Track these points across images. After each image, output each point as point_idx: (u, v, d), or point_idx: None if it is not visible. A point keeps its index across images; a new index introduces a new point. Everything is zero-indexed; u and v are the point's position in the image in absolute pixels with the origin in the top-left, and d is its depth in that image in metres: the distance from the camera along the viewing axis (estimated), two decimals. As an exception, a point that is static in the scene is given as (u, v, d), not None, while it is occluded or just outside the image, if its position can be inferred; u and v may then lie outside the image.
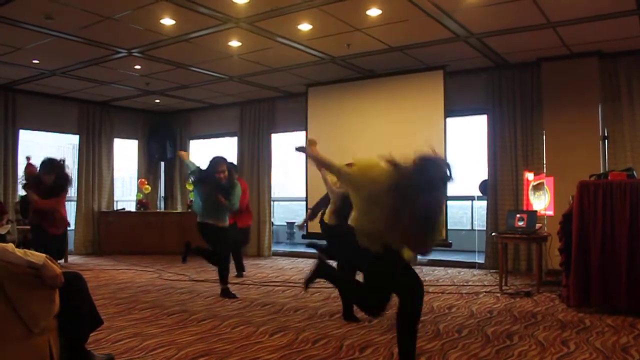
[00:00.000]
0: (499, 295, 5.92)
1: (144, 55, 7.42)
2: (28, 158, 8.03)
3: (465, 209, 11.59)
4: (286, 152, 11.52)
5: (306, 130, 9.05)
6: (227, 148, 11.07)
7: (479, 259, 8.18)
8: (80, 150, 10.44)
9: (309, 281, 3.54)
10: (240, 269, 7.50)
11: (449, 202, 7.85)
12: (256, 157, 10.24)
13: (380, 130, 8.10)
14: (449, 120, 7.79)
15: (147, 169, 11.67)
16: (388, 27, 6.28)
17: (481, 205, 9.04)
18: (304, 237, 9.15)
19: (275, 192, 11.53)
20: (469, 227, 11.12)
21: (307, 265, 8.51)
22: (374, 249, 3.14)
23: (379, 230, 3.02)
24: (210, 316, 4.85)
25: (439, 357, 3.61)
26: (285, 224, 13.16)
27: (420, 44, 6.96)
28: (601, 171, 6.32)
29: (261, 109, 10.32)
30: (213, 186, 5.89)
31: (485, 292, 6.11)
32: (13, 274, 2.71)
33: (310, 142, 4.45)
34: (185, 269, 7.99)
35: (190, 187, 10.54)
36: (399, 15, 5.95)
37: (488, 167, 8.06)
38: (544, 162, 7.48)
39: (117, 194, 11.62)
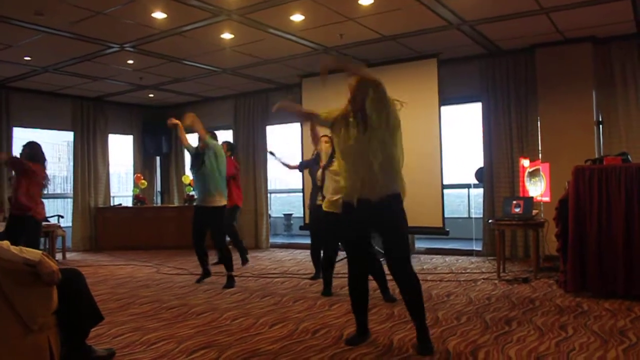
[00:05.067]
0: (496, 282, 5.95)
1: (136, 50, 7.39)
2: None
3: (461, 197, 11.62)
4: (282, 144, 11.51)
5: (301, 121, 9.02)
6: (221, 141, 11.03)
7: (477, 247, 8.20)
8: (75, 146, 10.41)
9: None
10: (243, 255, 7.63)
11: (446, 191, 7.84)
12: (251, 150, 10.23)
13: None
14: (443, 108, 7.77)
15: (143, 164, 11.64)
16: (381, 16, 6.26)
17: (477, 193, 9.08)
18: (301, 228, 9.16)
19: (272, 184, 11.52)
20: (465, 215, 11.15)
21: (304, 256, 8.53)
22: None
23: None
24: (210, 309, 4.86)
25: (439, 344, 3.63)
26: (283, 215, 13.18)
27: (413, 33, 6.94)
28: (596, 156, 6.34)
29: (255, 101, 10.30)
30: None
31: (483, 279, 6.14)
32: (9, 271, 2.71)
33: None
34: (183, 262, 7.99)
35: (187, 181, 10.55)
36: (391, 4, 5.93)
37: (483, 155, 8.06)
38: (539, 148, 7.49)
39: (114, 190, 11.59)
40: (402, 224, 3.59)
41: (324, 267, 5.54)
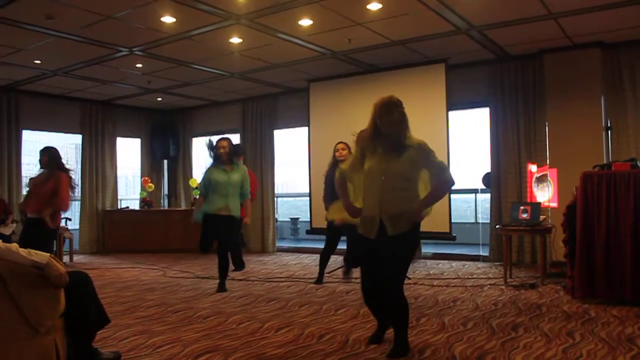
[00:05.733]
0: (503, 287, 5.92)
1: (145, 54, 7.43)
2: None
3: (469, 202, 11.60)
4: (289, 148, 11.54)
5: (308, 125, 9.04)
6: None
7: (483, 252, 8.17)
8: (83, 149, 10.48)
9: None
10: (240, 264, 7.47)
11: (453, 196, 7.83)
12: (259, 154, 10.24)
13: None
14: (451, 113, 7.77)
15: (150, 167, 11.69)
16: (389, 21, 6.27)
17: (485, 198, 9.05)
18: (308, 232, 9.17)
19: (279, 189, 11.55)
20: (472, 220, 11.12)
21: (310, 261, 8.53)
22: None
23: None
24: (216, 313, 4.86)
25: (445, 349, 3.62)
26: (289, 219, 13.19)
27: (421, 38, 6.94)
28: (604, 162, 6.30)
29: (263, 106, 10.32)
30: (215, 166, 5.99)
31: (490, 284, 6.11)
32: (18, 273, 2.73)
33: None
34: (190, 266, 8.01)
35: (194, 184, 10.60)
36: (399, 9, 5.93)
37: (491, 160, 8.04)
38: (547, 153, 7.46)
39: (121, 193, 11.66)
40: (408, 256, 3.63)
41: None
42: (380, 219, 3.50)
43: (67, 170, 5.63)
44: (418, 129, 7.45)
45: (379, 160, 3.54)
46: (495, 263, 7.68)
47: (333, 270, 7.18)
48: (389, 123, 3.51)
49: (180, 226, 10.09)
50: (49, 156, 5.72)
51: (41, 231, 5.40)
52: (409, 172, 3.52)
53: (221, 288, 5.98)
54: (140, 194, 11.01)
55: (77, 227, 10.27)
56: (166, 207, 11.67)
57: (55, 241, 6.01)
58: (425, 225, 7.14)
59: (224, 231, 5.95)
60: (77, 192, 10.41)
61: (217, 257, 6.06)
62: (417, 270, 7.31)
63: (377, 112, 3.56)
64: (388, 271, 3.55)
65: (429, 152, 3.54)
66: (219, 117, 11.12)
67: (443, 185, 3.55)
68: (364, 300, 3.82)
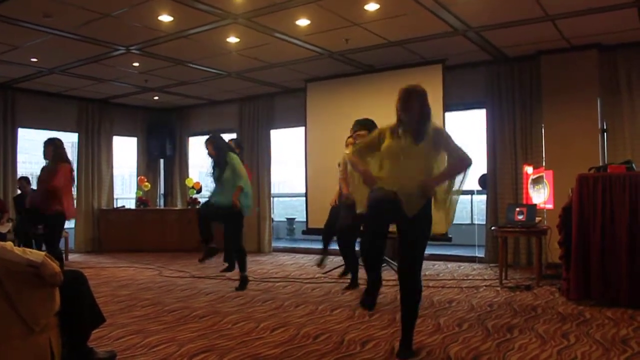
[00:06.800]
0: (499, 289, 5.93)
1: (142, 52, 7.41)
2: None
3: (464, 203, 11.58)
4: (285, 148, 11.53)
5: (305, 125, 9.04)
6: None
7: (479, 253, 8.18)
8: (79, 148, 10.45)
9: None
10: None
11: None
12: (255, 153, 10.23)
13: (380, 125, 8.06)
14: (447, 114, 7.77)
15: (147, 166, 11.67)
16: (386, 21, 6.28)
17: (481, 199, 9.05)
18: (304, 232, 9.17)
19: (275, 188, 11.54)
20: (468, 222, 11.13)
21: (307, 260, 8.53)
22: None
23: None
24: (211, 313, 4.86)
25: (440, 351, 3.62)
26: (286, 219, 13.18)
27: (418, 38, 6.95)
28: (600, 164, 6.32)
29: (260, 105, 10.31)
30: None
31: (486, 286, 6.12)
32: (13, 272, 2.72)
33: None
34: (185, 265, 8.00)
35: (190, 184, 10.59)
36: (397, 10, 5.94)
37: (487, 161, 8.05)
38: (543, 155, 7.48)
39: (117, 192, 11.64)
40: (428, 234, 3.62)
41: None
42: (398, 196, 3.43)
43: (69, 162, 5.75)
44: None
45: (399, 143, 3.51)
46: (491, 264, 7.69)
47: (329, 271, 7.18)
48: (406, 110, 3.51)
49: (177, 226, 10.09)
50: (54, 148, 5.78)
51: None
52: (427, 156, 3.50)
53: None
54: (137, 193, 11.00)
55: (73, 225, 10.23)
56: (162, 207, 11.65)
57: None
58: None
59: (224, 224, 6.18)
60: (73, 190, 10.39)
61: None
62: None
63: (397, 98, 3.56)
64: (414, 253, 3.55)
65: (448, 135, 3.59)
66: (216, 117, 11.11)
67: (460, 162, 3.53)
68: (365, 255, 3.68)
